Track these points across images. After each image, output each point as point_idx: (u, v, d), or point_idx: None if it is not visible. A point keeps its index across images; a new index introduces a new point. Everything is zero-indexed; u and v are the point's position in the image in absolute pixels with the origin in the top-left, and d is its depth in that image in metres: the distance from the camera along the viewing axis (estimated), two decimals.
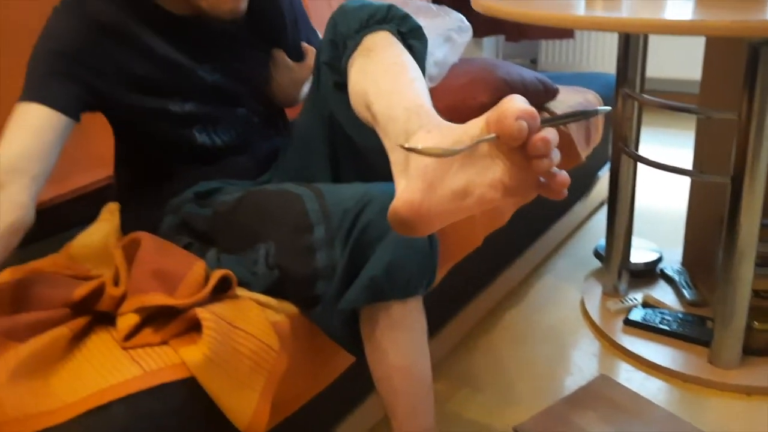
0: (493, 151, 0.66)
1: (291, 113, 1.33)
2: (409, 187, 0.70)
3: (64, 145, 0.97)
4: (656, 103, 1.45)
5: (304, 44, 1.29)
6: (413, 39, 0.96)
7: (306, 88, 1.29)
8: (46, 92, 0.95)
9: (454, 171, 0.68)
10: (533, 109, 0.63)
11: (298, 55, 1.27)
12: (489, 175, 0.66)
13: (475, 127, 0.67)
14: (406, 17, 0.96)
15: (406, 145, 0.67)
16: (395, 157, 0.77)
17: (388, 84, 0.84)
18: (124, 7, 1.04)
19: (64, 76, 0.97)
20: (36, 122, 0.94)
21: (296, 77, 1.26)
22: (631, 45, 1.53)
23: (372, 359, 0.95)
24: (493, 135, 0.65)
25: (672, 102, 1.40)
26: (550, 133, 0.63)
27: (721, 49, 1.60)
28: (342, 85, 0.97)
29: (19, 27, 1.20)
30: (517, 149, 0.65)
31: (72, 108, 0.97)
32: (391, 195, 0.88)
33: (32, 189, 0.91)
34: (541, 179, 0.66)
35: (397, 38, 0.93)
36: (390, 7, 0.95)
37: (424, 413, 0.96)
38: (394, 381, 0.94)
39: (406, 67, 0.87)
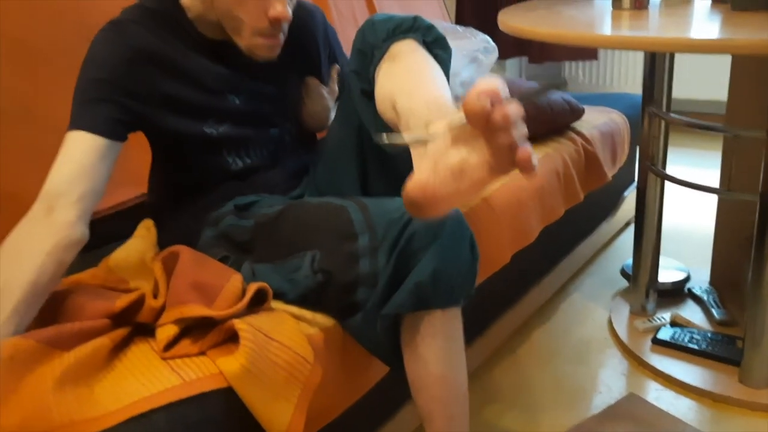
0: (475, 132, 0.68)
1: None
2: (419, 168, 0.71)
3: (113, 163, 1.02)
4: (682, 121, 1.46)
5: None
6: (438, 48, 0.99)
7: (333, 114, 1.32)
8: (88, 119, 1.01)
9: (452, 150, 0.69)
10: (496, 87, 0.63)
11: (326, 81, 1.32)
12: (476, 155, 0.68)
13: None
14: (431, 27, 0.99)
15: (384, 139, 0.70)
16: (416, 152, 0.79)
17: (409, 83, 0.89)
18: (162, 32, 1.08)
19: (104, 102, 1.02)
20: (79, 148, 0.99)
21: (327, 104, 1.30)
22: (657, 63, 1.55)
23: (411, 367, 0.96)
24: (463, 118, 0.66)
25: (698, 121, 1.41)
26: (511, 107, 0.64)
27: (747, 67, 1.60)
28: (368, 93, 1.00)
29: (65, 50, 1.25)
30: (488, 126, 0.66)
31: (112, 131, 1.02)
32: None
33: (78, 208, 0.97)
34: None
35: (422, 46, 0.97)
36: (416, 18, 0.99)
37: (461, 422, 0.97)
38: (432, 389, 0.95)
39: (427, 68, 0.91)
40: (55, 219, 0.94)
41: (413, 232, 0.92)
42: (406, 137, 0.70)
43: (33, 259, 0.91)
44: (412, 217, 0.93)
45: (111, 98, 1.02)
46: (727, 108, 1.66)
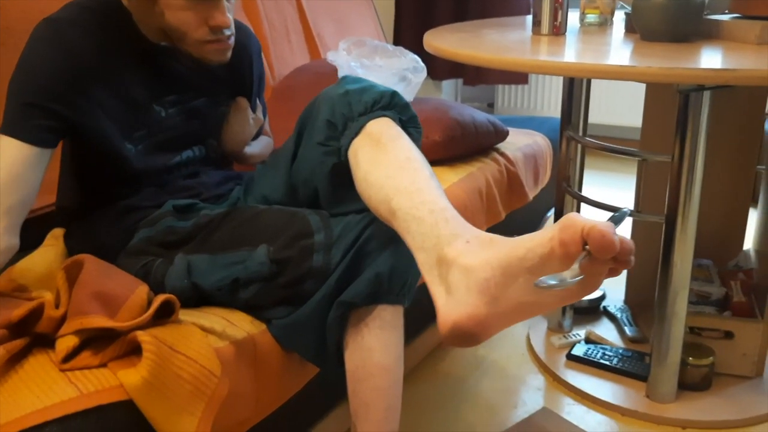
0: (563, 266, 0.72)
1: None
2: (469, 302, 0.74)
3: (44, 171, 1.01)
4: (596, 145, 1.52)
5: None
6: (411, 127, 1.02)
7: (253, 149, 1.33)
8: (19, 126, 0.98)
9: (521, 284, 0.73)
10: (611, 227, 0.69)
11: (254, 108, 1.32)
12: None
13: (539, 244, 0.72)
14: (407, 106, 1.01)
15: (542, 285, 0.72)
16: (423, 258, 0.82)
17: (406, 181, 0.88)
18: (100, 35, 1.04)
19: (37, 108, 0.99)
20: (8, 156, 0.97)
21: (249, 129, 1.29)
22: (575, 90, 1.61)
23: (355, 357, 0.99)
24: (584, 254, 0.70)
25: (610, 145, 1.47)
26: (629, 241, 0.70)
27: (658, 95, 1.68)
28: (340, 167, 0.99)
29: None
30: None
31: (44, 139, 0.99)
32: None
33: (6, 220, 0.96)
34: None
35: (399, 126, 0.98)
36: (393, 94, 1.00)
37: (396, 414, 1.00)
38: (376, 379, 0.98)
39: (420, 164, 0.92)
40: None
41: (371, 234, 0.97)
42: (563, 285, 0.72)
43: None
44: (372, 222, 0.97)
45: (43, 105, 0.99)
46: (641, 133, 1.74)
